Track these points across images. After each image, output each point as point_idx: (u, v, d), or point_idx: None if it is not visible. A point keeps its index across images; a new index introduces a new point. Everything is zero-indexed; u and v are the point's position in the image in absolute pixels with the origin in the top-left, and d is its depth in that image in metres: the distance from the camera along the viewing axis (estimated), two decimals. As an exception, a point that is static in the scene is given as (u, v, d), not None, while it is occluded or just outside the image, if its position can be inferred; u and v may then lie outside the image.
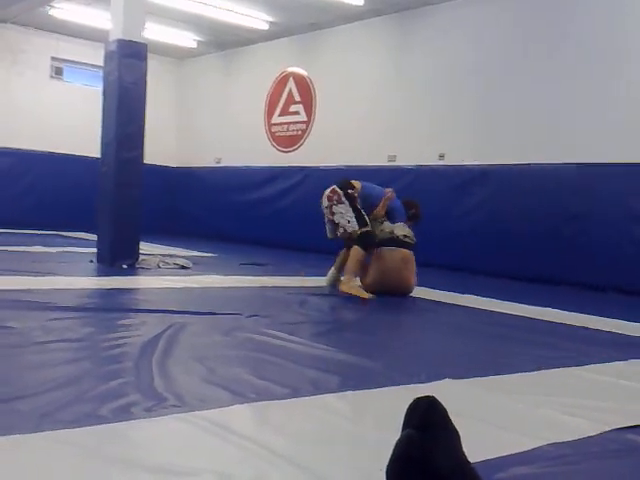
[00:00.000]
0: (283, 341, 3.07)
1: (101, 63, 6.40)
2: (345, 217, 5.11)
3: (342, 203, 5.15)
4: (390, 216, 5.32)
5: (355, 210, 5.14)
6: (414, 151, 8.32)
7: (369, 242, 5.05)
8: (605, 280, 6.46)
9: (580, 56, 6.83)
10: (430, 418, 1.33)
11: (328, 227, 5.31)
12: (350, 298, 4.81)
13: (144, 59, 6.17)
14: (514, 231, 7.21)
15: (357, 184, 5.27)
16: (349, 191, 5.18)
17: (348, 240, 5.17)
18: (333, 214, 5.18)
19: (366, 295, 4.79)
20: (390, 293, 4.96)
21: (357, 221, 5.09)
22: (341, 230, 5.14)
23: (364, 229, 5.07)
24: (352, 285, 4.92)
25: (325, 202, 5.25)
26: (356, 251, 5.01)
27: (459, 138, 7.90)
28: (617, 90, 6.55)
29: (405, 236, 5.12)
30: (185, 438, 1.75)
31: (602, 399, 2.39)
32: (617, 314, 4.62)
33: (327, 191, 5.27)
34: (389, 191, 5.31)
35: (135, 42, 6.11)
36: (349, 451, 1.73)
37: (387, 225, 5.18)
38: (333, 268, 5.42)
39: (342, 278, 5.12)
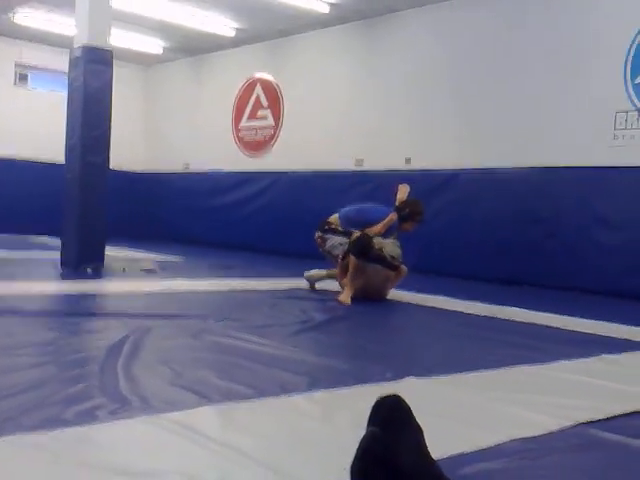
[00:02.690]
0: (251, 344, 3.06)
1: (66, 69, 6.33)
2: (336, 244, 5.16)
3: (327, 239, 5.23)
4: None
5: (340, 233, 5.17)
6: (381, 155, 8.38)
7: (363, 245, 4.94)
8: (570, 281, 6.57)
9: (547, 60, 6.94)
10: (394, 416, 1.34)
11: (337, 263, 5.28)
12: (320, 300, 4.85)
13: (110, 65, 6.13)
14: (481, 234, 7.29)
15: (334, 219, 5.30)
16: (326, 227, 5.26)
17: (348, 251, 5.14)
18: (329, 252, 5.26)
19: (347, 303, 4.80)
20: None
21: (346, 237, 5.11)
22: (340, 256, 5.14)
23: (357, 234, 5.02)
24: (345, 296, 4.86)
25: (320, 249, 5.34)
26: (352, 261, 4.96)
27: (426, 143, 7.97)
28: (582, 93, 6.67)
29: (392, 257, 5.04)
30: (150, 440, 1.74)
31: (565, 396, 2.43)
32: (581, 313, 4.70)
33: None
34: (393, 215, 5.11)
35: (100, 48, 6.07)
36: (316, 450, 1.74)
37: (377, 241, 5.05)
38: (325, 271, 5.46)
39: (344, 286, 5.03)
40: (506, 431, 1.96)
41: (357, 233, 5.04)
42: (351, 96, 8.89)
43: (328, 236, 5.23)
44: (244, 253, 9.23)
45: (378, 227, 5.08)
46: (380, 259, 5.02)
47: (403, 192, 5.33)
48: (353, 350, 3.20)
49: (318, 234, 5.31)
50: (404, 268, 5.19)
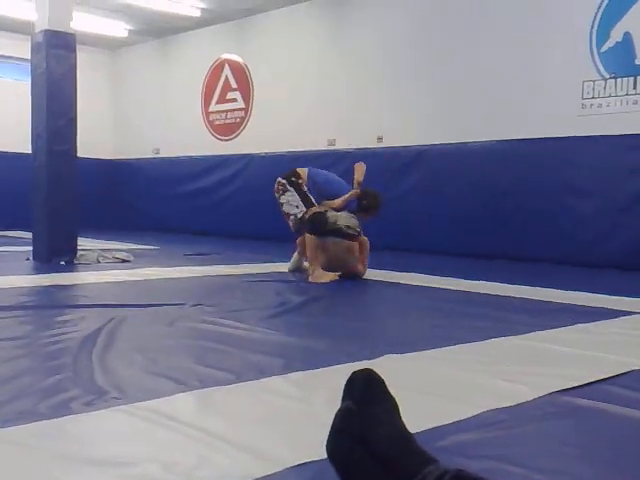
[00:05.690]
0: (227, 328, 3.05)
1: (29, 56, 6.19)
2: (292, 204, 5.08)
3: (288, 191, 5.11)
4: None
5: (301, 194, 5.09)
6: (353, 135, 8.36)
7: (319, 222, 4.94)
8: (542, 252, 6.63)
9: (512, 32, 6.95)
10: (367, 390, 1.34)
11: (288, 222, 5.23)
12: (296, 282, 4.83)
13: (73, 50, 6.01)
14: (453, 209, 7.32)
15: (303, 172, 5.21)
16: (292, 179, 5.15)
17: (302, 227, 5.10)
18: (282, 205, 5.16)
19: (334, 277, 4.85)
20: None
21: (304, 204, 5.05)
22: (292, 218, 5.10)
23: (312, 211, 5.01)
24: (317, 274, 4.89)
25: (275, 194, 5.22)
26: (309, 239, 4.94)
27: (397, 121, 7.96)
28: (548, 64, 6.68)
29: (348, 227, 5.01)
30: (127, 429, 1.73)
31: (540, 365, 2.46)
32: (555, 284, 4.74)
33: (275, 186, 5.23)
34: (356, 190, 5.13)
35: (63, 32, 5.95)
36: (294, 430, 1.74)
37: (331, 214, 5.05)
38: (296, 253, 5.41)
39: (308, 268, 5.05)
40: (481, 402, 1.97)
41: (314, 208, 5.01)
42: (321, 75, 8.84)
43: (289, 189, 5.12)
44: (219, 239, 9.18)
45: (338, 201, 5.10)
46: (336, 231, 5.00)
47: (360, 172, 5.28)
48: (329, 330, 3.20)
49: (280, 180, 5.19)
50: (364, 238, 5.15)
